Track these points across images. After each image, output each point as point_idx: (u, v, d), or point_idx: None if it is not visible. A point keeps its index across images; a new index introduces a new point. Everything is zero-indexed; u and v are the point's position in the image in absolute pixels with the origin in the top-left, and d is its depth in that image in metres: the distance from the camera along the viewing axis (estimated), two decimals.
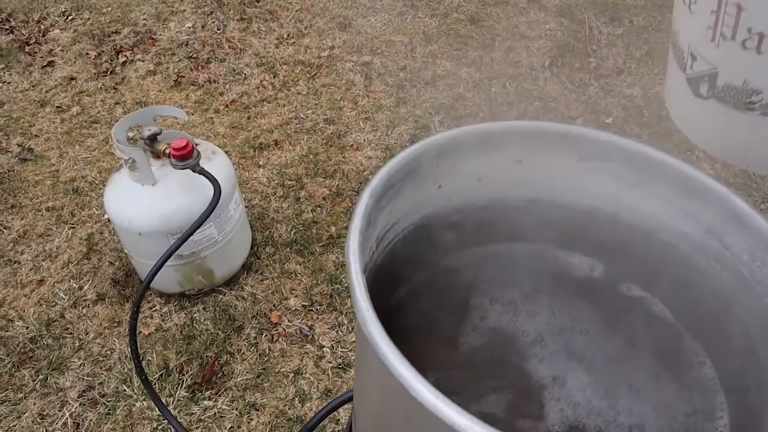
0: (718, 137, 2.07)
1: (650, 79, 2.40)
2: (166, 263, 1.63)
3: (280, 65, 2.55)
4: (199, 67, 2.56)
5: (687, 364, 0.81)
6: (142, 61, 2.60)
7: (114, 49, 2.67)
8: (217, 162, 1.71)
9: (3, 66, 2.64)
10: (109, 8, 2.88)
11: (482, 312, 0.83)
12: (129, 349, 1.54)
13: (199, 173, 1.55)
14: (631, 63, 2.47)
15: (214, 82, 2.50)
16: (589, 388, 0.82)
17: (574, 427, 0.79)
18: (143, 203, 1.61)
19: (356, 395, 0.83)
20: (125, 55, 2.63)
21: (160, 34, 2.73)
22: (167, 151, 1.56)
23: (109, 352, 1.71)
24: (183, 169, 1.53)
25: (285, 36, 2.69)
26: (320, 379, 1.65)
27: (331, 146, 2.22)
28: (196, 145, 1.70)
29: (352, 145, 2.21)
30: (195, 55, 2.62)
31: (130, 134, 1.69)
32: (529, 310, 0.86)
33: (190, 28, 2.74)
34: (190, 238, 1.64)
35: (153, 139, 1.59)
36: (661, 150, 0.75)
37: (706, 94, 1.98)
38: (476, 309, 0.84)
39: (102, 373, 1.66)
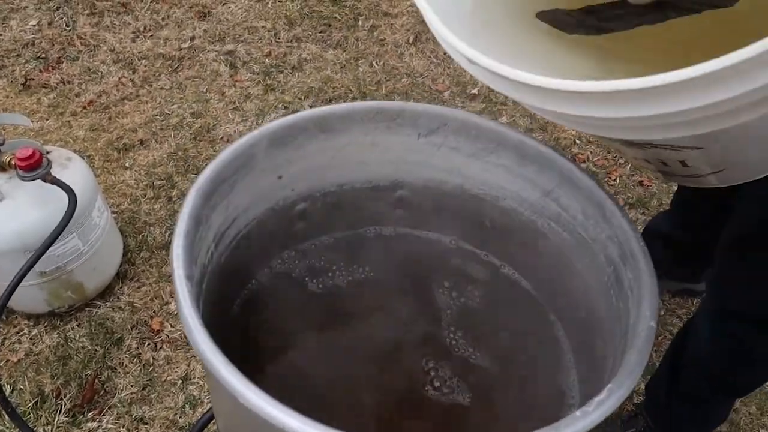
0: None
1: None
2: (29, 282, 1.52)
3: (139, 60, 2.42)
4: (50, 68, 2.39)
5: (539, 325, 0.84)
6: None
7: None
8: (73, 169, 1.60)
9: None
10: None
11: (338, 300, 0.83)
12: None
13: (51, 183, 1.45)
14: None
15: (68, 83, 2.34)
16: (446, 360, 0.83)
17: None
18: None
19: (214, 408, 0.81)
20: None
21: (1, 34, 2.52)
22: (12, 162, 1.45)
23: None
24: (32, 180, 1.43)
25: (141, 29, 2.55)
26: None
27: (200, 141, 2.14)
28: (48, 153, 1.58)
29: (222, 137, 2.15)
30: (44, 55, 2.44)
31: None
32: (386, 293, 0.86)
33: (35, 26, 2.55)
34: (51, 252, 1.54)
35: None
36: (491, 120, 0.76)
37: None
38: (331, 298, 0.83)
39: None
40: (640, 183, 2.09)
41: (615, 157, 2.14)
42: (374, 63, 2.40)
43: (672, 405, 1.36)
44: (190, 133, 2.16)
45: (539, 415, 0.72)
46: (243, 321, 0.73)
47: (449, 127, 0.78)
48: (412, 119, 0.78)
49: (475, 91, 2.30)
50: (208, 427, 1.42)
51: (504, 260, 0.85)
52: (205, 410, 1.54)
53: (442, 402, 0.74)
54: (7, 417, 1.51)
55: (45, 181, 1.45)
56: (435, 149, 0.80)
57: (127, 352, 1.65)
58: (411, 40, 2.49)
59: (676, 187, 1.69)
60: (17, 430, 1.49)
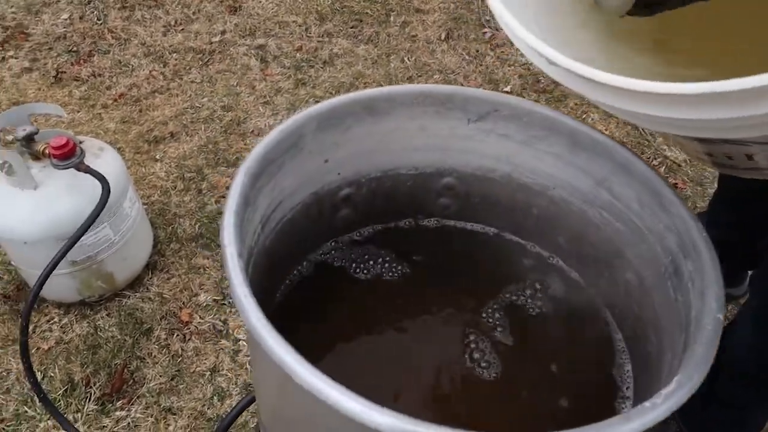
0: None
1: None
2: (60, 271, 1.52)
3: (170, 54, 2.43)
4: (81, 61, 2.41)
5: (589, 317, 0.81)
6: (15, 59, 2.41)
7: None
8: (106, 158, 1.60)
9: None
10: None
11: (385, 289, 0.81)
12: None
13: (85, 172, 1.45)
14: None
15: (99, 75, 2.36)
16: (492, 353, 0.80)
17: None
18: (25, 209, 1.49)
19: (255, 389, 0.79)
20: None
21: (33, 28, 2.54)
22: (46, 151, 1.45)
23: (5, 373, 1.59)
24: (66, 168, 1.43)
25: (172, 23, 2.56)
26: (238, 374, 1.59)
27: (230, 134, 2.14)
28: (80, 142, 1.59)
29: (252, 131, 2.14)
30: (75, 49, 2.45)
31: (9, 137, 1.56)
32: (433, 283, 0.83)
33: (66, 19, 2.57)
34: (83, 241, 1.55)
35: (29, 139, 1.47)
36: (544, 106, 0.74)
37: None
38: (378, 286, 0.81)
39: None
40: (675, 186, 2.05)
41: (645, 154, 2.10)
42: (405, 59, 2.38)
43: (707, 410, 1.32)
44: (221, 127, 2.16)
45: (594, 408, 0.70)
46: (287, 306, 0.71)
47: (500, 113, 0.76)
48: (462, 104, 0.76)
49: (507, 88, 2.27)
50: (237, 420, 1.41)
51: (552, 251, 0.82)
52: (233, 402, 1.53)
53: (492, 393, 0.72)
54: (39, 403, 1.52)
55: (78, 170, 1.45)
56: (484, 135, 0.78)
57: (156, 343, 1.65)
58: (443, 37, 2.47)
59: (715, 187, 1.65)
60: (48, 416, 1.50)
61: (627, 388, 0.71)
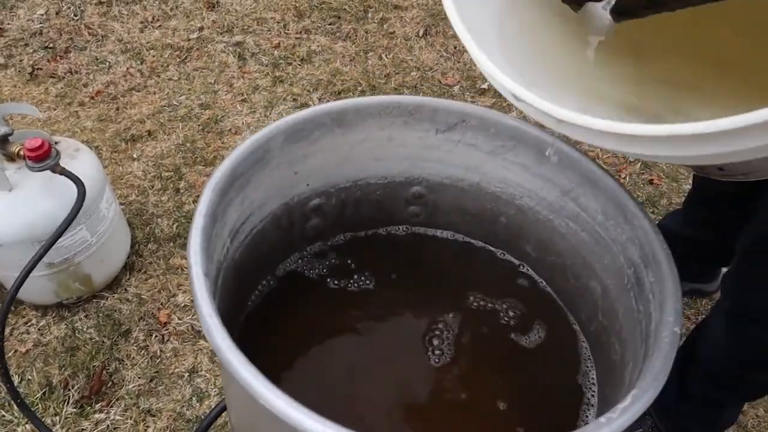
0: None
1: None
2: (37, 273, 1.51)
3: (147, 50, 2.41)
4: (58, 58, 2.38)
5: (557, 324, 0.83)
6: None
7: None
8: (82, 159, 1.59)
9: None
10: None
11: (352, 298, 0.82)
12: None
13: (60, 174, 1.44)
14: None
15: (76, 72, 2.33)
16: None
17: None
18: (0, 212, 1.47)
19: (226, 399, 0.80)
20: None
21: (8, 23, 2.51)
22: (21, 152, 1.44)
23: None
24: (41, 170, 1.42)
25: (150, 19, 2.54)
26: (217, 375, 1.59)
27: (208, 132, 2.13)
28: (56, 143, 1.57)
29: (230, 129, 2.13)
30: (51, 45, 2.43)
31: None
32: (403, 290, 0.85)
33: (42, 15, 2.53)
34: (60, 243, 1.54)
35: (3, 140, 1.46)
36: (512, 117, 0.75)
37: None
38: (347, 295, 0.82)
39: None
40: (650, 182, 2.07)
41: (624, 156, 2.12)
42: (384, 56, 2.39)
43: (681, 407, 1.34)
44: (198, 125, 2.15)
45: (559, 413, 0.71)
46: (257, 317, 0.72)
47: (468, 124, 0.77)
48: (430, 115, 0.77)
49: (485, 86, 2.28)
50: (217, 421, 1.42)
51: (521, 259, 0.84)
52: (212, 403, 1.54)
53: (458, 399, 0.73)
54: (16, 407, 1.51)
55: (54, 172, 1.44)
56: (452, 145, 0.79)
57: (135, 344, 1.65)
58: (421, 33, 2.47)
59: (689, 185, 1.67)
60: (26, 420, 1.49)
61: (591, 395, 0.72)
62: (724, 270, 1.79)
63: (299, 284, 0.79)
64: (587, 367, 0.76)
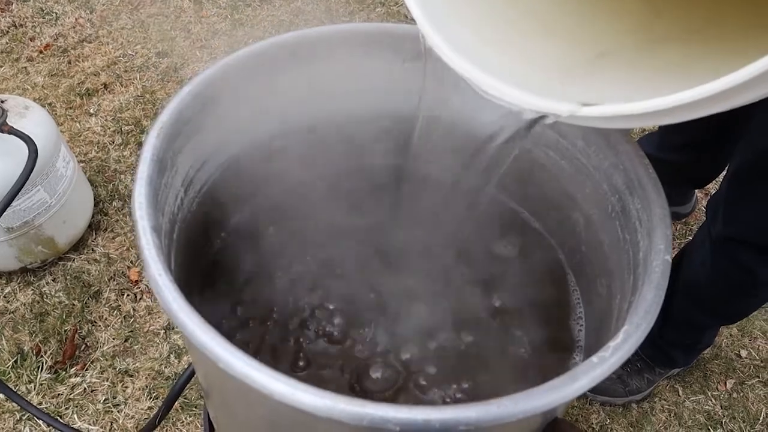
0: None
1: None
2: None
3: None
4: (0, 11, 2.24)
5: (540, 255, 0.79)
6: None
7: None
8: (32, 117, 1.50)
9: None
10: None
11: (322, 246, 0.77)
12: None
13: (8, 133, 1.36)
14: None
15: (21, 26, 2.20)
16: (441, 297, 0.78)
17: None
18: None
19: (192, 360, 0.76)
20: None
21: None
22: None
23: None
24: None
25: None
26: None
27: (168, 82, 2.03)
28: (2, 101, 1.49)
29: (190, 77, 2.03)
30: None
31: None
32: (373, 230, 0.80)
33: None
34: (16, 206, 1.47)
35: None
36: None
37: None
38: (314, 243, 0.77)
39: None
40: None
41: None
42: None
43: (663, 332, 1.34)
44: (157, 75, 2.05)
45: (550, 355, 0.68)
46: (220, 267, 0.67)
47: (436, 52, 0.71)
48: (394, 43, 0.71)
49: None
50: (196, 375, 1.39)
51: (501, 191, 0.79)
52: (191, 358, 1.51)
53: (444, 345, 0.69)
54: None
55: (2, 132, 1.36)
56: (421, 77, 0.73)
57: (107, 305, 1.60)
58: None
59: None
60: None
61: (580, 332, 0.69)
62: (698, 192, 1.79)
63: (262, 229, 0.74)
64: (575, 302, 0.72)
